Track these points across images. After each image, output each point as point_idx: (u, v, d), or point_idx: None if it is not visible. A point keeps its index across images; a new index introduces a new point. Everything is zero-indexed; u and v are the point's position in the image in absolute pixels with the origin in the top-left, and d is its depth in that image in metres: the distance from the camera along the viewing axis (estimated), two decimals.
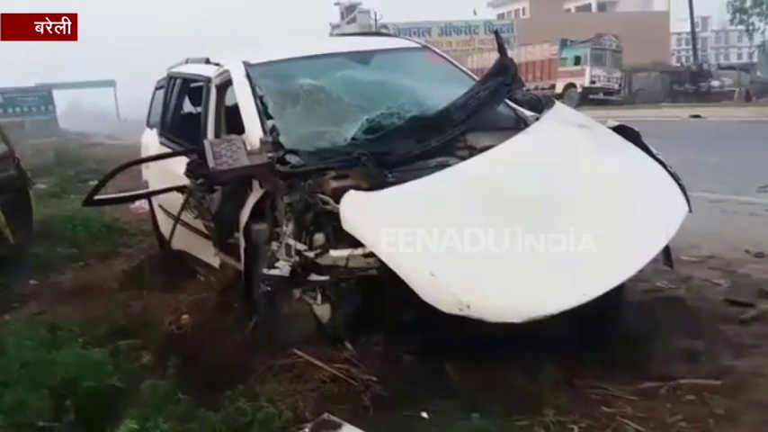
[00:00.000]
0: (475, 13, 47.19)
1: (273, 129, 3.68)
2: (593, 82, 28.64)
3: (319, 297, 3.12)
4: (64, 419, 2.97)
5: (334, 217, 3.11)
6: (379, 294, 3.07)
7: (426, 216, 3.07)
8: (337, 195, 3.17)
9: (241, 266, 3.68)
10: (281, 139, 3.57)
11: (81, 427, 2.97)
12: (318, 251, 3.11)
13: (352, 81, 4.16)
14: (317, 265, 3.11)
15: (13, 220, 5.59)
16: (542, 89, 26.15)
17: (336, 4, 50.63)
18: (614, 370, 3.03)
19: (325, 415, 2.65)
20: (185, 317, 3.97)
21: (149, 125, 6.06)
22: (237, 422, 2.75)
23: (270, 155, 3.43)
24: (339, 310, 3.11)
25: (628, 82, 30.44)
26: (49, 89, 44.77)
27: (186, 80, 5.22)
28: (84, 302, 4.67)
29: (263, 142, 3.52)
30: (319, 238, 3.15)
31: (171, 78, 5.49)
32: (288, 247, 3.17)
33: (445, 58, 4.83)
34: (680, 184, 3.47)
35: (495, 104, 3.90)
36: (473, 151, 3.58)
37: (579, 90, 28.45)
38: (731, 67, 34.15)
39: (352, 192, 3.17)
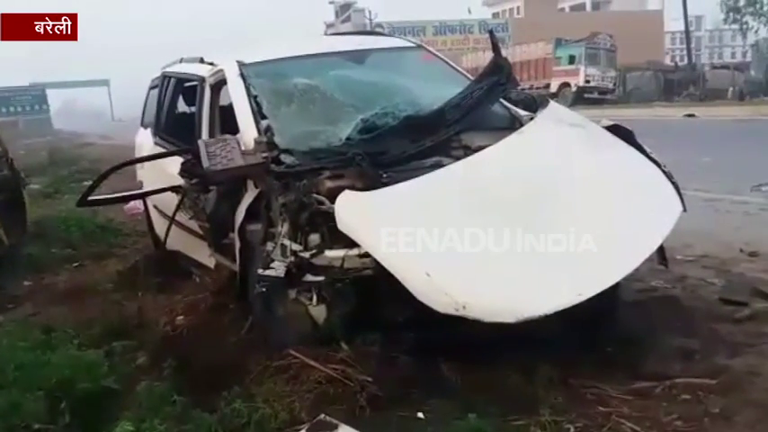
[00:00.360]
0: (470, 12, 47.38)
1: (268, 128, 3.66)
2: (587, 81, 28.65)
3: (315, 297, 3.11)
4: (59, 421, 2.95)
5: (330, 217, 3.11)
6: (375, 295, 3.06)
7: (421, 216, 3.07)
8: (332, 195, 3.17)
9: (236, 267, 3.66)
10: (276, 138, 3.57)
11: (76, 428, 2.95)
12: (314, 251, 3.10)
13: (346, 81, 4.16)
14: (313, 266, 3.10)
15: (6, 221, 5.57)
16: (537, 88, 26.15)
17: (331, 2, 50.41)
18: (610, 369, 3.04)
19: (322, 416, 2.65)
20: (181, 318, 3.97)
21: (144, 125, 6.04)
22: (233, 423, 2.75)
23: (264, 155, 3.42)
24: (335, 310, 3.10)
25: (622, 81, 30.50)
26: (42, 88, 44.70)
27: (180, 80, 5.21)
28: (78, 303, 4.66)
29: (257, 142, 3.52)
30: (314, 238, 3.14)
31: (165, 78, 5.47)
32: (283, 247, 3.16)
33: (440, 58, 4.83)
34: (674, 184, 3.47)
35: (490, 104, 3.90)
36: (468, 151, 3.58)
37: (574, 89, 28.45)
38: (725, 67, 34.19)
39: (347, 192, 3.17)
